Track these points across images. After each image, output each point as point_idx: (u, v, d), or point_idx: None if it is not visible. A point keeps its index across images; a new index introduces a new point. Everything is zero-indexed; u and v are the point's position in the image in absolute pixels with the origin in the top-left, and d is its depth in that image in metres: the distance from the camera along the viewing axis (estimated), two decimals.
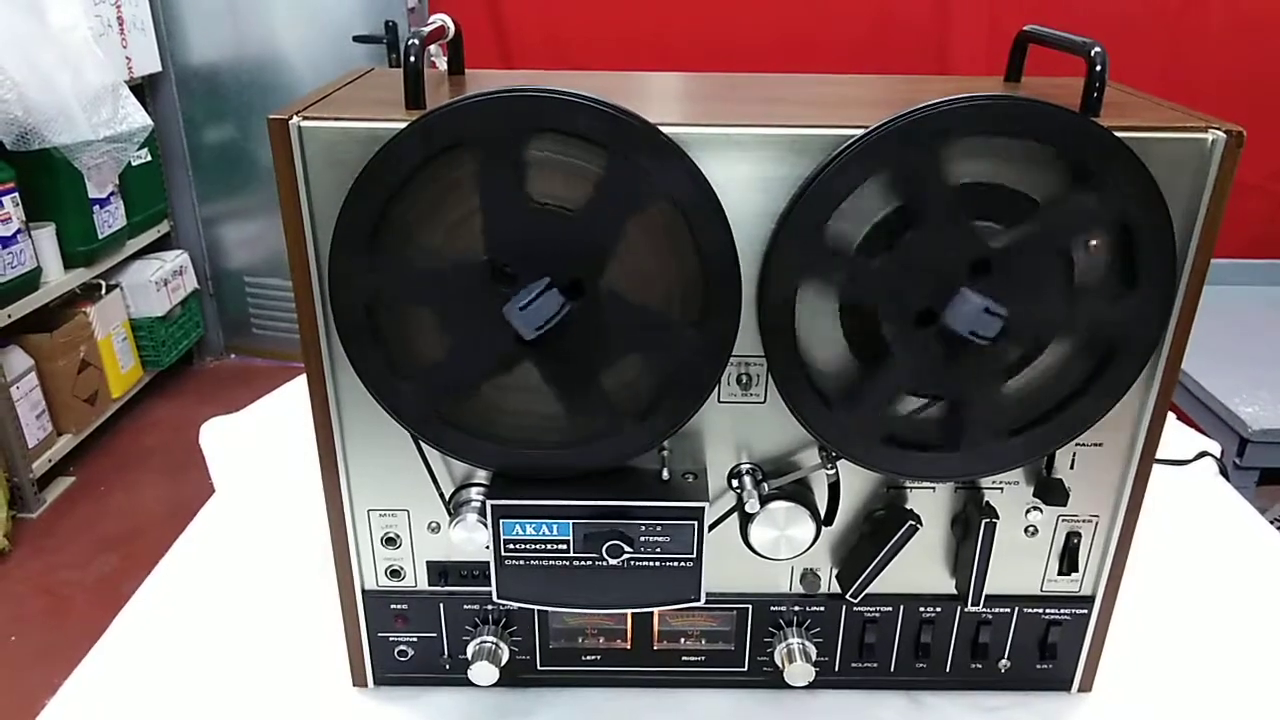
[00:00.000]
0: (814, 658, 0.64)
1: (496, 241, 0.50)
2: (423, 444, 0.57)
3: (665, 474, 0.57)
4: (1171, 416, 1.08)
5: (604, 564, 0.56)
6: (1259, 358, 1.62)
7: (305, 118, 0.51)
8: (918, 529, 0.58)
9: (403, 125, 0.49)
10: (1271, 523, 0.92)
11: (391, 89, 0.53)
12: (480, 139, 0.49)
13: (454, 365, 0.53)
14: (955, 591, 0.64)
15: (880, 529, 0.59)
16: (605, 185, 0.50)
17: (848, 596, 0.61)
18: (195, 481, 0.94)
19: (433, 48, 0.59)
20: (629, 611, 0.64)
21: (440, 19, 0.61)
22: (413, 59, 0.52)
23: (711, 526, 0.58)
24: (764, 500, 0.57)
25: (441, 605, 0.64)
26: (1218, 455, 0.97)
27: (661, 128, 0.49)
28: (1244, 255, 1.93)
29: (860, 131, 0.49)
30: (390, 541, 0.62)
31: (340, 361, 0.55)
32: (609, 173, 0.49)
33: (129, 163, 2.47)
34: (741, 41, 2.22)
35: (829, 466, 0.58)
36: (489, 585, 0.57)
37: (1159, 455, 0.61)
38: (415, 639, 0.65)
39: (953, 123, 0.48)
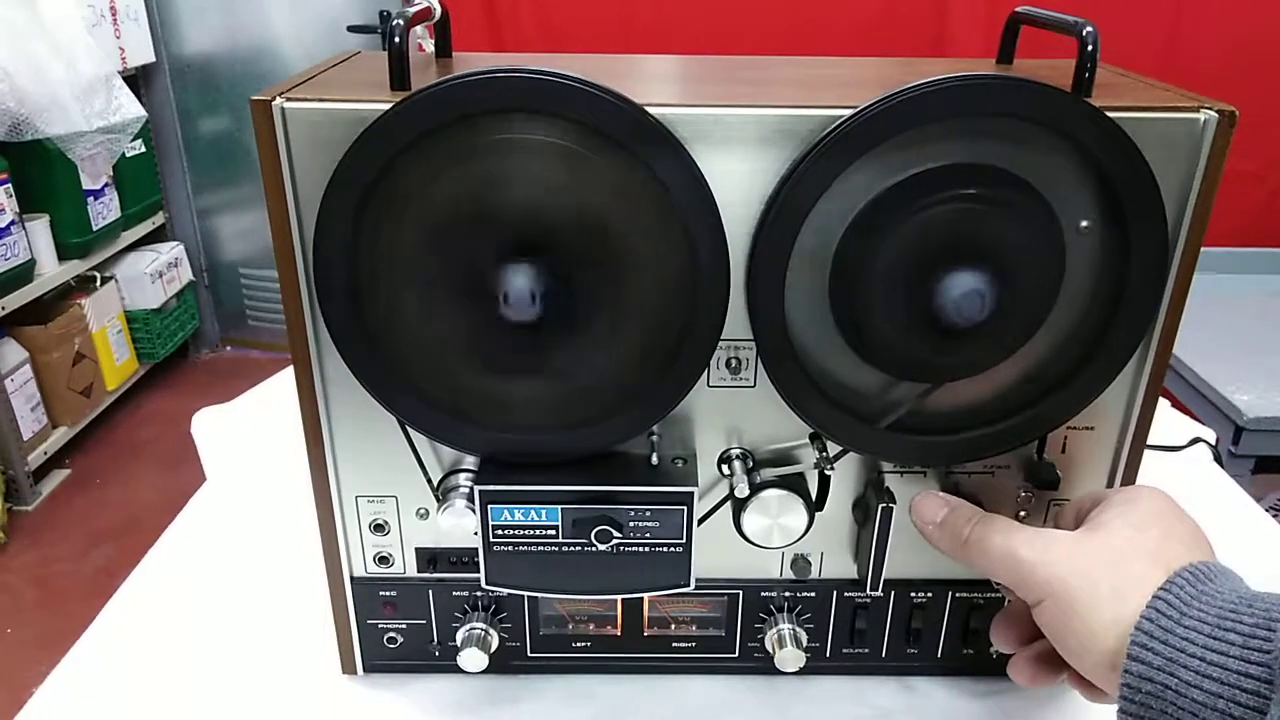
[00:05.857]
0: (805, 643, 0.63)
1: (483, 221, 0.50)
2: (409, 428, 0.57)
3: (654, 459, 0.56)
4: (1166, 404, 1.08)
5: (593, 549, 0.56)
6: (1254, 346, 1.62)
7: (289, 99, 0.50)
8: (892, 510, 0.58)
9: (387, 106, 0.48)
10: (1267, 510, 0.92)
11: (377, 71, 0.53)
12: (470, 118, 0.48)
13: (426, 338, 0.53)
14: (947, 577, 0.63)
15: (869, 516, 0.59)
16: (593, 170, 0.49)
17: (869, 591, 0.61)
18: (191, 474, 0.93)
19: (419, 29, 0.58)
20: (619, 597, 0.64)
21: (427, 1, 0.60)
22: (397, 40, 0.51)
23: (703, 519, 0.58)
24: (755, 487, 0.57)
25: (431, 592, 0.64)
26: (1212, 442, 0.97)
27: (649, 109, 0.48)
28: (1241, 244, 1.93)
29: (849, 112, 0.49)
30: (379, 528, 0.62)
31: (327, 346, 0.55)
32: (600, 158, 0.49)
33: (123, 154, 2.46)
34: (739, 26, 2.21)
35: (822, 452, 0.57)
36: (478, 572, 0.57)
37: (1153, 441, 0.61)
38: (404, 626, 0.65)
39: (941, 103, 0.48)
